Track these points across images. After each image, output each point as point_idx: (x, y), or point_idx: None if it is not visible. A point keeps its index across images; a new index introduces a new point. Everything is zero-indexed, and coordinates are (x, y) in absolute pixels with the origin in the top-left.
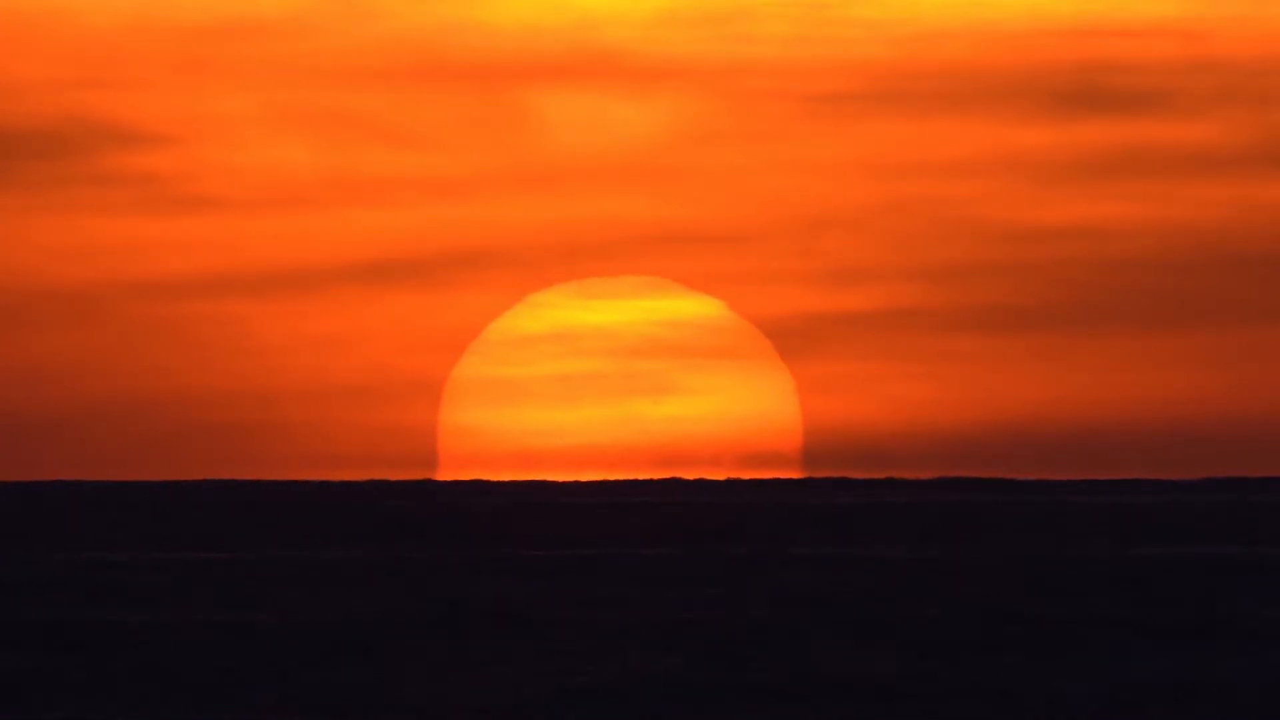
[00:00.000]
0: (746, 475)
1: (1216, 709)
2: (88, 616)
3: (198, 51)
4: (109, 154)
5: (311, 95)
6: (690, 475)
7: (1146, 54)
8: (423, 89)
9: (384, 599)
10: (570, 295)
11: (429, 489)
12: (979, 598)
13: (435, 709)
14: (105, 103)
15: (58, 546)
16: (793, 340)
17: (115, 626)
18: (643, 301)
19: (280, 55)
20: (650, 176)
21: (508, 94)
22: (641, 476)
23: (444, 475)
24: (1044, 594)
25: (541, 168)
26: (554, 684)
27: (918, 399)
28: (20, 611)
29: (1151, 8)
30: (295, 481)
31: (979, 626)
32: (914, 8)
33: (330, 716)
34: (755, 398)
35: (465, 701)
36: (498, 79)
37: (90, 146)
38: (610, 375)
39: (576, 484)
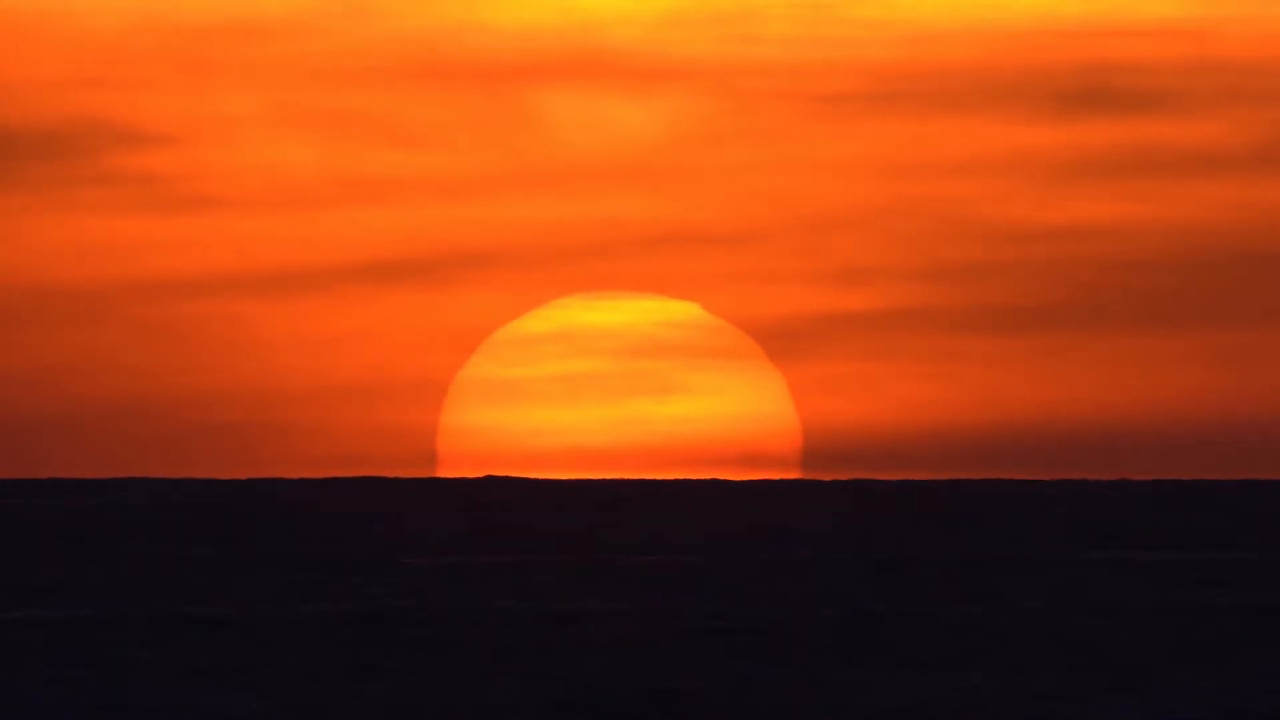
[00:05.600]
0: (745, 476)
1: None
2: (89, 614)
3: (201, 52)
4: (112, 154)
5: (315, 95)
6: (691, 475)
7: (1151, 54)
8: (426, 89)
9: (380, 598)
10: (573, 295)
11: (427, 488)
12: (977, 599)
13: (421, 713)
14: (108, 103)
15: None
16: (796, 340)
17: (118, 625)
18: (646, 301)
19: (284, 55)
20: (654, 177)
21: (511, 94)
22: (644, 476)
23: (443, 474)
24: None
25: (545, 168)
26: (541, 691)
27: (922, 399)
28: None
29: (1156, 8)
30: (295, 480)
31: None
32: (918, 8)
33: (319, 716)
34: (757, 398)
35: (458, 705)
36: (501, 79)
37: (93, 146)
38: (613, 375)
39: (578, 483)
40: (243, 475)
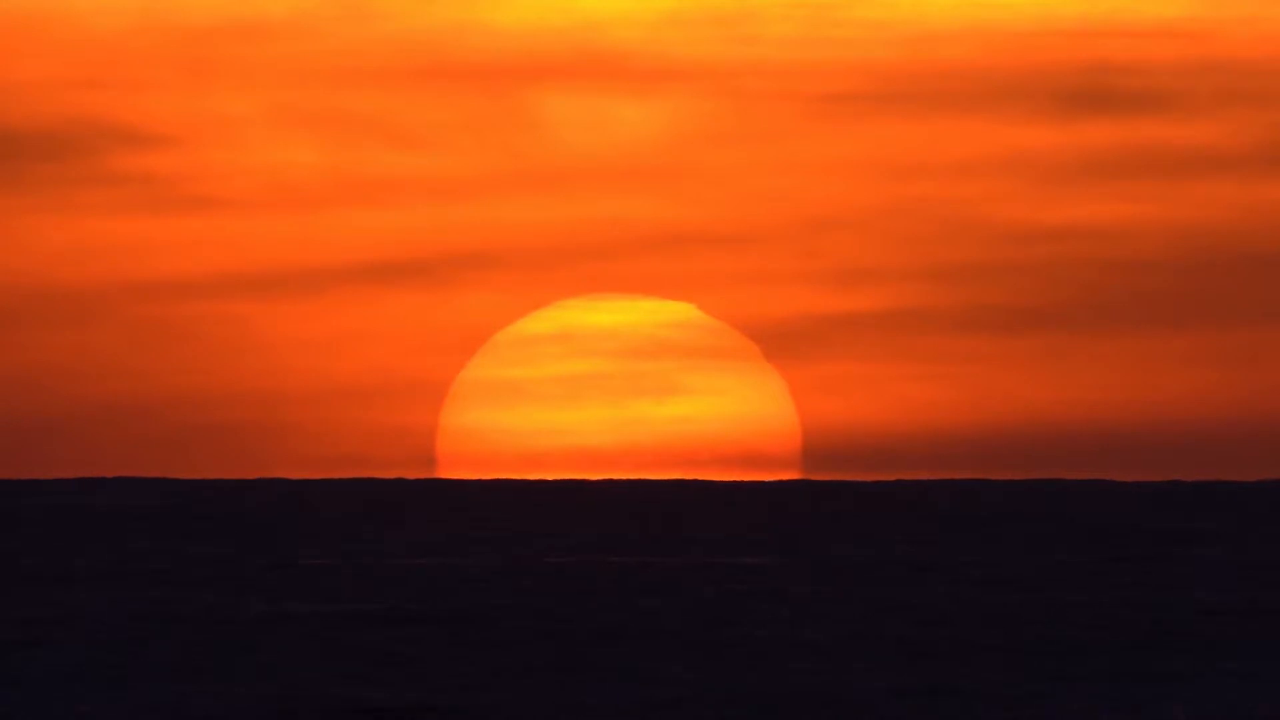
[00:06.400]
0: (745, 476)
1: None
2: (86, 613)
3: (201, 52)
4: (112, 154)
5: (315, 96)
6: (691, 476)
7: (1151, 55)
8: (427, 90)
9: (379, 599)
10: (574, 297)
11: (426, 488)
12: (979, 601)
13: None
14: (108, 103)
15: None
16: (796, 341)
17: (115, 624)
18: (646, 302)
19: (284, 56)
20: (655, 178)
21: (512, 95)
22: (644, 477)
23: (443, 475)
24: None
25: (546, 169)
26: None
27: (922, 400)
28: (24, 607)
29: (1156, 8)
30: (295, 480)
31: (979, 633)
32: (919, 9)
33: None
34: (757, 399)
35: (458, 705)
36: (502, 80)
37: (93, 147)
38: (613, 376)
39: (578, 483)
40: (243, 475)
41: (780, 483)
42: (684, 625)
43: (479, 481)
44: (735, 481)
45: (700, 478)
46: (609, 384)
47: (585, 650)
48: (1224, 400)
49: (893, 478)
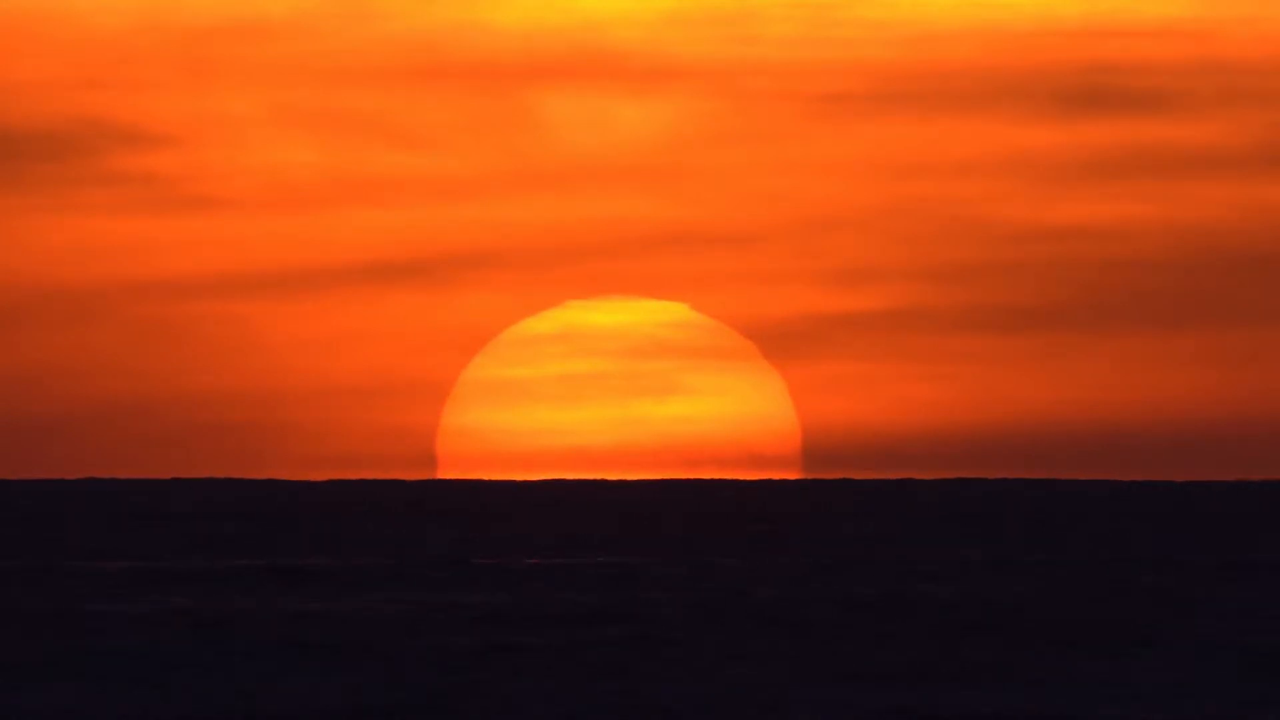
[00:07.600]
0: (745, 476)
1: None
2: (86, 609)
3: (202, 52)
4: (113, 154)
5: (316, 96)
6: (691, 475)
7: (1152, 55)
8: (427, 90)
9: (378, 599)
10: (574, 299)
11: (427, 489)
12: (979, 600)
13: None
14: (109, 103)
15: (58, 543)
16: (796, 341)
17: (115, 623)
18: (647, 303)
19: (285, 56)
20: (655, 177)
21: (512, 95)
22: (644, 476)
23: (443, 475)
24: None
25: (546, 169)
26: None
27: (922, 399)
28: (18, 603)
29: (1157, 9)
30: (296, 481)
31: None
32: (919, 9)
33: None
34: (758, 398)
35: (461, 704)
36: (502, 80)
37: (94, 147)
38: (614, 376)
39: (578, 483)
40: (243, 475)
41: (780, 482)
42: (683, 624)
43: (479, 481)
44: (735, 481)
45: (700, 477)
46: (609, 384)
47: (583, 650)
48: (1224, 400)
49: (892, 477)
